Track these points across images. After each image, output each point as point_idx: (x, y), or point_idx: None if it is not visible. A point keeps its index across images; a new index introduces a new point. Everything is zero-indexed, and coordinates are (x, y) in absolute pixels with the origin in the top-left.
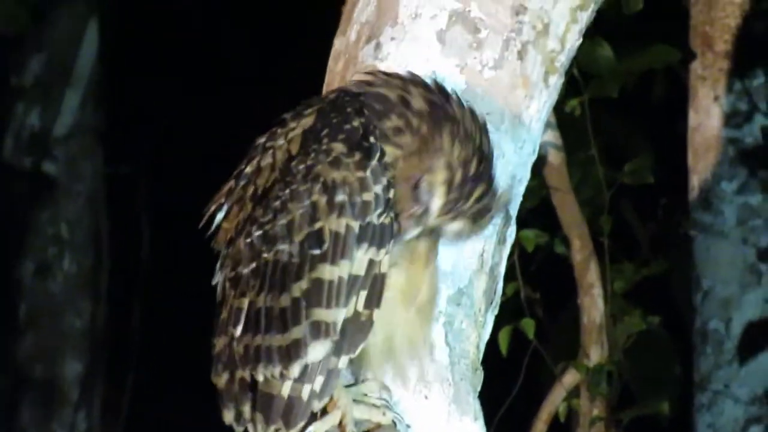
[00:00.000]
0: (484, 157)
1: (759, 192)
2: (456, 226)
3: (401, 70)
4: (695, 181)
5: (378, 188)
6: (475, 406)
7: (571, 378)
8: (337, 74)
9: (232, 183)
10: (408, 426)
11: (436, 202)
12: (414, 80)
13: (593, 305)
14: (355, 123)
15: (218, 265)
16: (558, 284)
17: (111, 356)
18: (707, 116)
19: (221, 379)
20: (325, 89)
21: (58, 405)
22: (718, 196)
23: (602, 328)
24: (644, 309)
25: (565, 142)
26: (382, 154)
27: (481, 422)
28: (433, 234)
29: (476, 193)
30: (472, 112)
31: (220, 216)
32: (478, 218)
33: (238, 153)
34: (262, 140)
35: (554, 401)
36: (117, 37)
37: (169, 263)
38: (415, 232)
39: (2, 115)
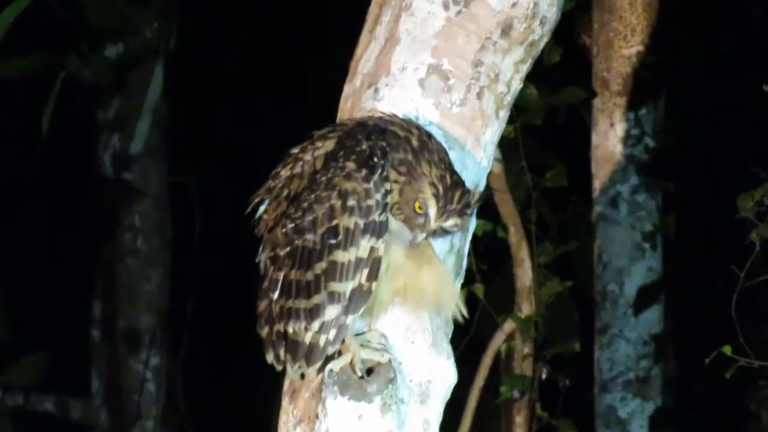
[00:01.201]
0: (453, 171)
1: (644, 193)
2: (450, 222)
3: (398, 112)
4: (597, 185)
5: (378, 196)
6: (448, 348)
7: (508, 326)
8: (346, 111)
9: (270, 182)
10: (400, 363)
11: (432, 211)
12: (415, 124)
13: (524, 274)
14: (364, 146)
15: (261, 247)
16: (499, 259)
17: (173, 312)
18: (606, 138)
19: (263, 331)
20: (338, 119)
21: (136, 346)
22: (615, 195)
23: (531, 290)
24: (560, 277)
25: (503, 157)
26: (383, 170)
27: (452, 359)
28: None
29: (456, 196)
30: (441, 146)
31: (262, 208)
32: (463, 213)
33: (269, 164)
34: (295, 151)
35: (497, 343)
36: (176, 80)
37: (215, 245)
38: (422, 236)
39: (95, 139)
